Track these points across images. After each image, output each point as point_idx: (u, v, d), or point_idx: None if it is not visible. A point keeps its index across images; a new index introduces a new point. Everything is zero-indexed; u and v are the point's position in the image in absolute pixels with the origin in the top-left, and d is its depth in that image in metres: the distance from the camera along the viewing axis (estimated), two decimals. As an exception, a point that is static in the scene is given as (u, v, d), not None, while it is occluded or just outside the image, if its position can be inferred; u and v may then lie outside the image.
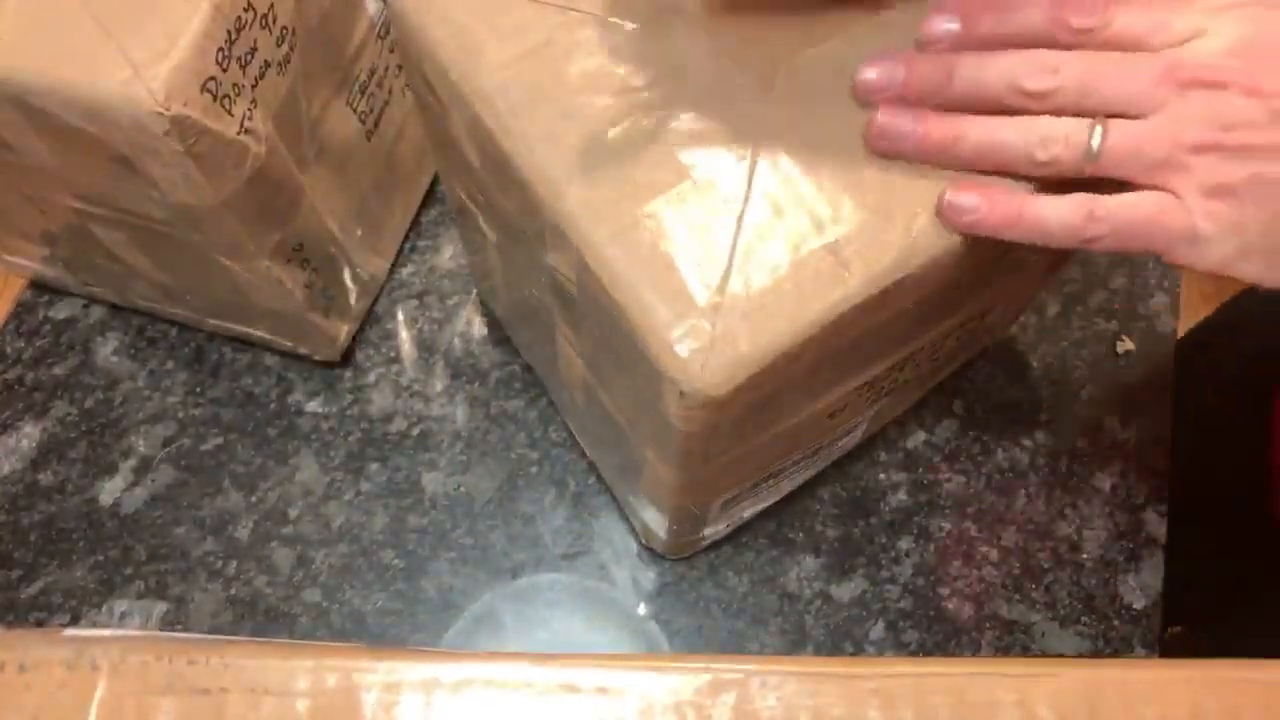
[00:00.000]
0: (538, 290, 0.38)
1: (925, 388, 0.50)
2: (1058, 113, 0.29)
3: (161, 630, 0.48)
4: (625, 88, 0.32)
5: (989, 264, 0.34)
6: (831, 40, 0.33)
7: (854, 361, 0.36)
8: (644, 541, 0.49)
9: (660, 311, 0.29)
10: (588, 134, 0.31)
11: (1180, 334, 0.55)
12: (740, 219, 0.30)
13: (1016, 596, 0.48)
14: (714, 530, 0.46)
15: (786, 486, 0.47)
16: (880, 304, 0.31)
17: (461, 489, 0.51)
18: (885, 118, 0.30)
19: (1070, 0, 0.30)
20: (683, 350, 0.29)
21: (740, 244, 0.30)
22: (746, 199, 0.31)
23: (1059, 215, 0.30)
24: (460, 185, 0.41)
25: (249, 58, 0.37)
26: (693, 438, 0.32)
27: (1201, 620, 0.51)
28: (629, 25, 0.33)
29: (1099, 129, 0.29)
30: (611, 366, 0.35)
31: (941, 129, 0.30)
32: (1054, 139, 0.29)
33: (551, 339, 0.41)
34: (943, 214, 0.30)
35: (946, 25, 0.31)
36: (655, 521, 0.44)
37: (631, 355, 0.31)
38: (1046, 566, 0.49)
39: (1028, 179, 0.31)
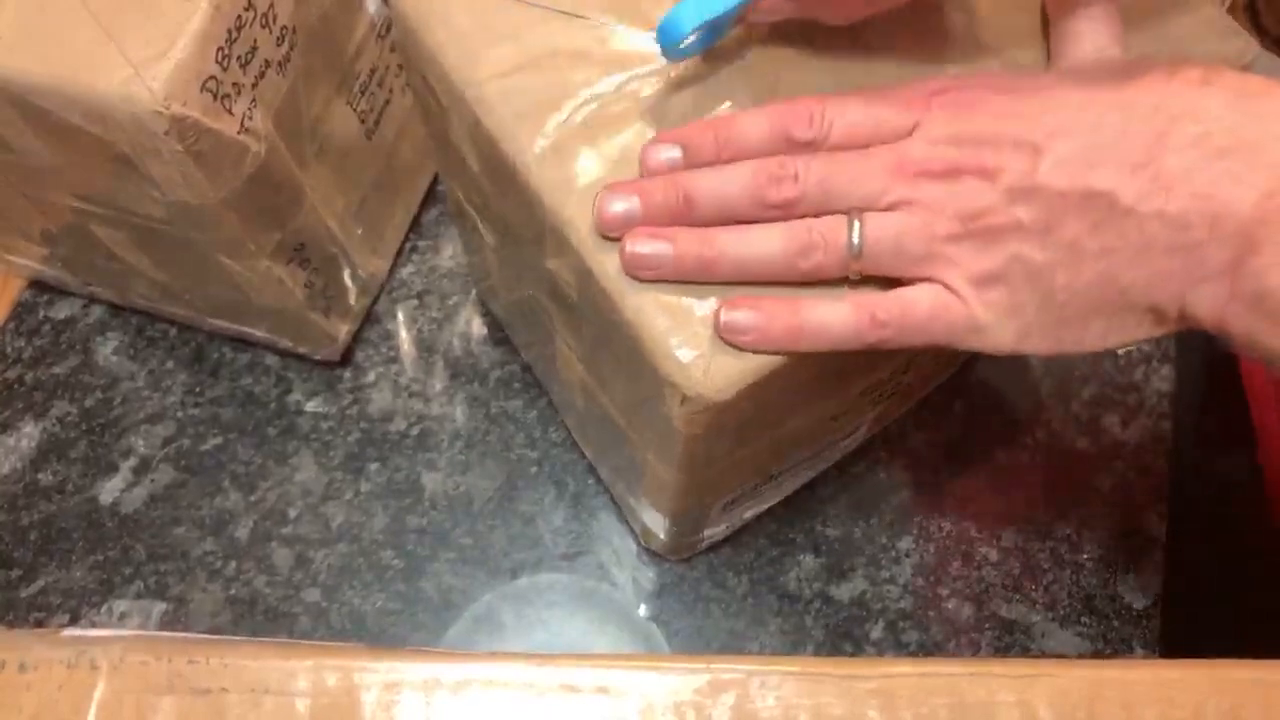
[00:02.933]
0: (536, 293, 0.38)
1: (928, 388, 0.50)
2: (813, 214, 0.29)
3: (161, 630, 0.48)
4: (627, 95, 0.32)
5: None
6: (836, 52, 0.33)
7: (857, 366, 0.36)
8: (643, 542, 0.49)
9: (662, 317, 0.29)
10: (589, 141, 0.31)
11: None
12: None
13: (1016, 596, 0.48)
14: (714, 531, 0.46)
15: (788, 487, 0.47)
16: None
17: (461, 489, 0.51)
18: (632, 246, 0.29)
19: (787, 113, 0.29)
20: (685, 356, 0.29)
21: None
22: None
23: (841, 321, 0.29)
24: (460, 187, 0.41)
25: (249, 57, 0.37)
26: (695, 441, 0.32)
27: (1201, 620, 0.51)
28: (630, 29, 0.33)
29: (856, 224, 0.28)
30: (612, 370, 0.35)
31: (696, 249, 0.29)
32: (813, 246, 0.29)
33: (550, 341, 0.41)
34: (721, 334, 0.29)
35: (667, 154, 0.30)
36: (655, 523, 0.44)
37: (633, 360, 0.31)
38: (1046, 566, 0.49)
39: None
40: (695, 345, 0.29)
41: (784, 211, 0.29)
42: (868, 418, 0.44)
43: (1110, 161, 0.26)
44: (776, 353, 0.29)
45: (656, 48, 0.31)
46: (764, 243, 0.29)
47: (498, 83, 0.32)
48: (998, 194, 0.27)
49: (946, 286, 0.28)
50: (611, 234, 0.30)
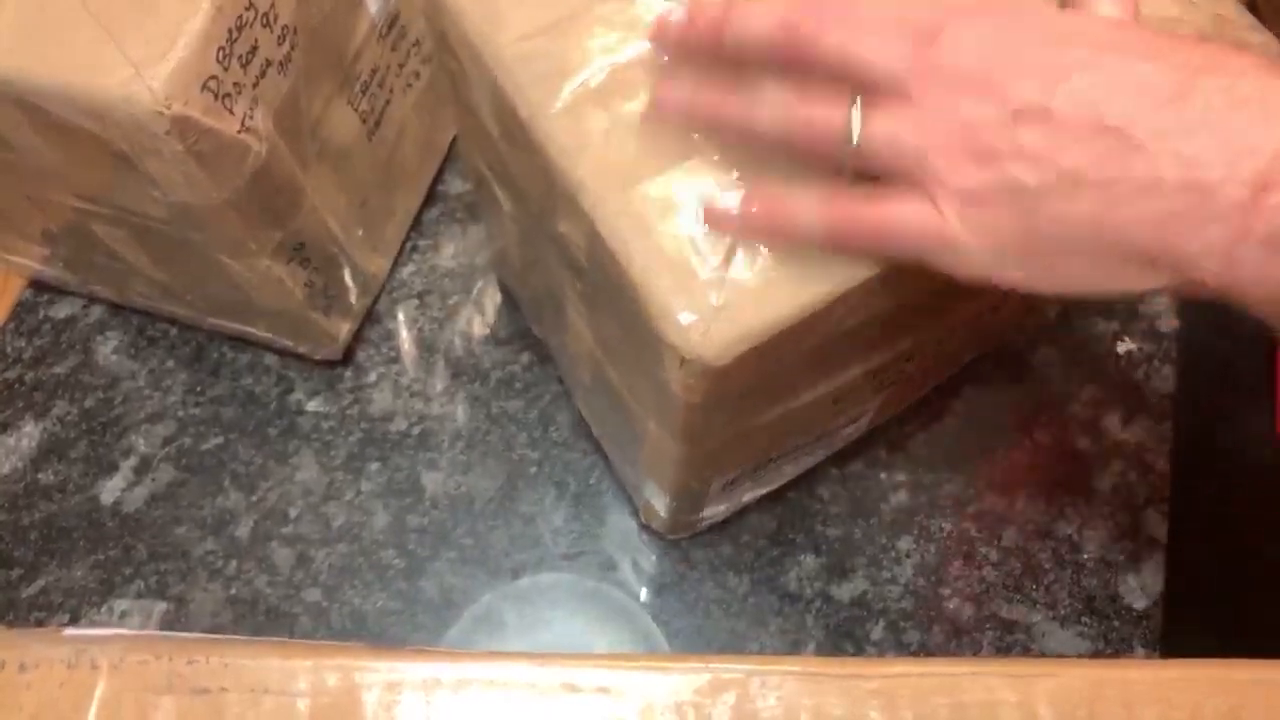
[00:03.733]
0: (549, 260, 0.39)
1: (932, 382, 0.50)
2: (822, 68, 0.29)
3: (161, 630, 0.48)
4: (644, 60, 0.32)
5: None
6: None
7: (860, 346, 0.36)
8: (644, 520, 0.49)
9: (665, 280, 0.30)
10: (603, 106, 0.32)
11: (1180, 327, 0.55)
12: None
13: (1016, 596, 0.48)
14: (713, 511, 0.47)
15: (789, 471, 0.47)
16: (885, 287, 0.31)
17: (462, 489, 0.51)
18: (661, 91, 0.31)
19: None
20: (685, 319, 0.29)
21: None
22: (754, 176, 0.31)
23: (816, 213, 0.29)
24: (479, 153, 0.41)
25: (250, 57, 0.37)
26: (694, 409, 0.32)
27: (1201, 620, 0.51)
28: (652, 1, 0.33)
29: (858, 106, 0.28)
30: (617, 337, 0.36)
31: (715, 95, 0.30)
32: (815, 118, 0.29)
33: (563, 311, 0.41)
34: (706, 220, 0.30)
35: (675, 17, 0.31)
36: (656, 497, 0.44)
37: (636, 324, 0.31)
38: (1046, 566, 0.49)
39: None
40: (696, 309, 0.29)
41: (801, 60, 0.29)
42: (870, 406, 0.44)
43: (1129, 99, 0.26)
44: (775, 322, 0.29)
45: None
46: (774, 99, 0.29)
47: (517, 45, 0.32)
48: (1005, 113, 0.27)
49: (932, 200, 0.28)
50: (659, 39, 0.31)
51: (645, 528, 0.49)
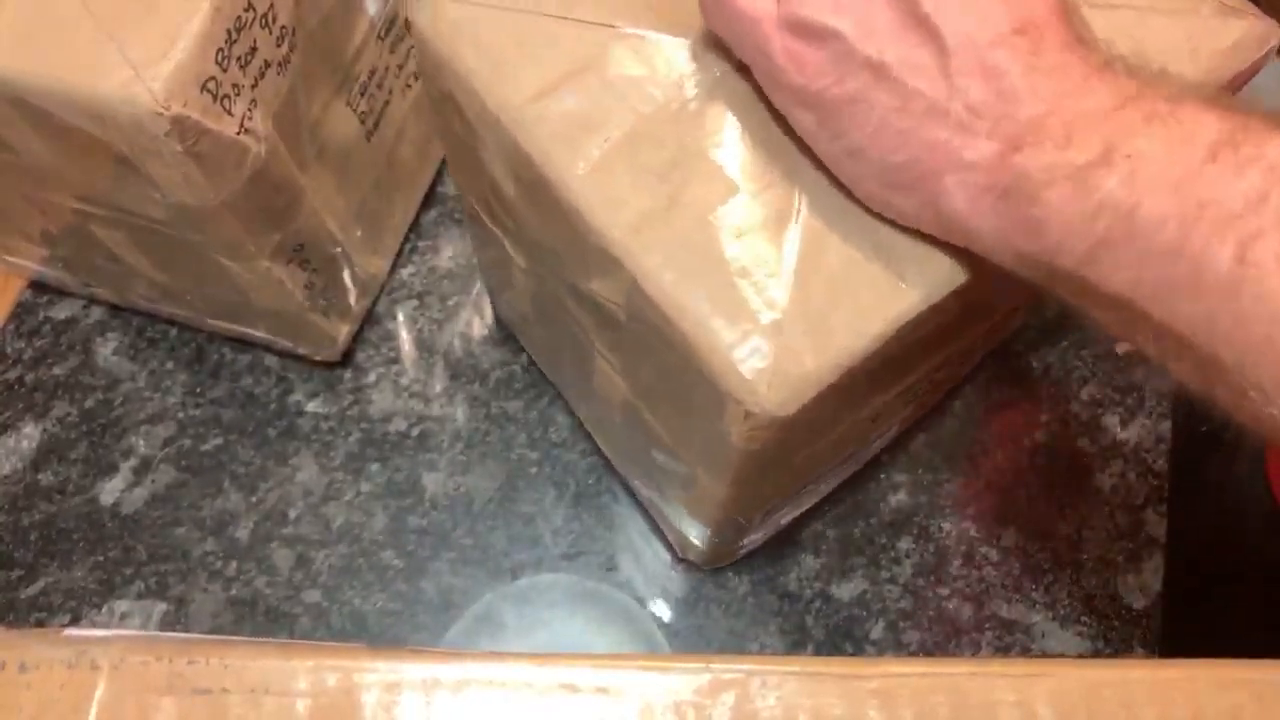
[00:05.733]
0: (573, 313, 0.38)
1: (948, 386, 0.50)
2: None
3: (162, 630, 0.48)
4: (667, 106, 0.31)
5: None
6: None
7: (903, 368, 0.35)
8: (681, 554, 0.48)
9: (722, 333, 0.29)
10: (632, 159, 0.31)
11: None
12: (793, 232, 0.30)
13: (1016, 596, 0.48)
14: (753, 539, 0.46)
15: (824, 490, 0.47)
16: (936, 312, 0.30)
17: (461, 489, 0.51)
18: None
19: None
20: (748, 371, 0.28)
21: (796, 258, 0.29)
22: (797, 211, 0.30)
23: None
24: (487, 210, 0.40)
25: (249, 58, 0.37)
26: (752, 457, 0.31)
27: (1201, 620, 0.51)
28: (667, 38, 0.32)
29: None
30: (661, 388, 0.35)
31: None
32: None
33: (587, 359, 0.40)
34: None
35: None
36: (697, 534, 0.43)
37: (688, 377, 0.30)
38: (1046, 566, 0.49)
39: None
40: (758, 360, 0.28)
41: None
42: (899, 417, 0.44)
43: (963, 18, 0.26)
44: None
45: (692, 52, 0.30)
46: None
47: (535, 104, 0.31)
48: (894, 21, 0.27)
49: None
50: None
51: (682, 560, 0.49)
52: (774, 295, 0.29)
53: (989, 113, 0.26)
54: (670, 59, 0.32)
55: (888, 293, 0.29)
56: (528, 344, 0.52)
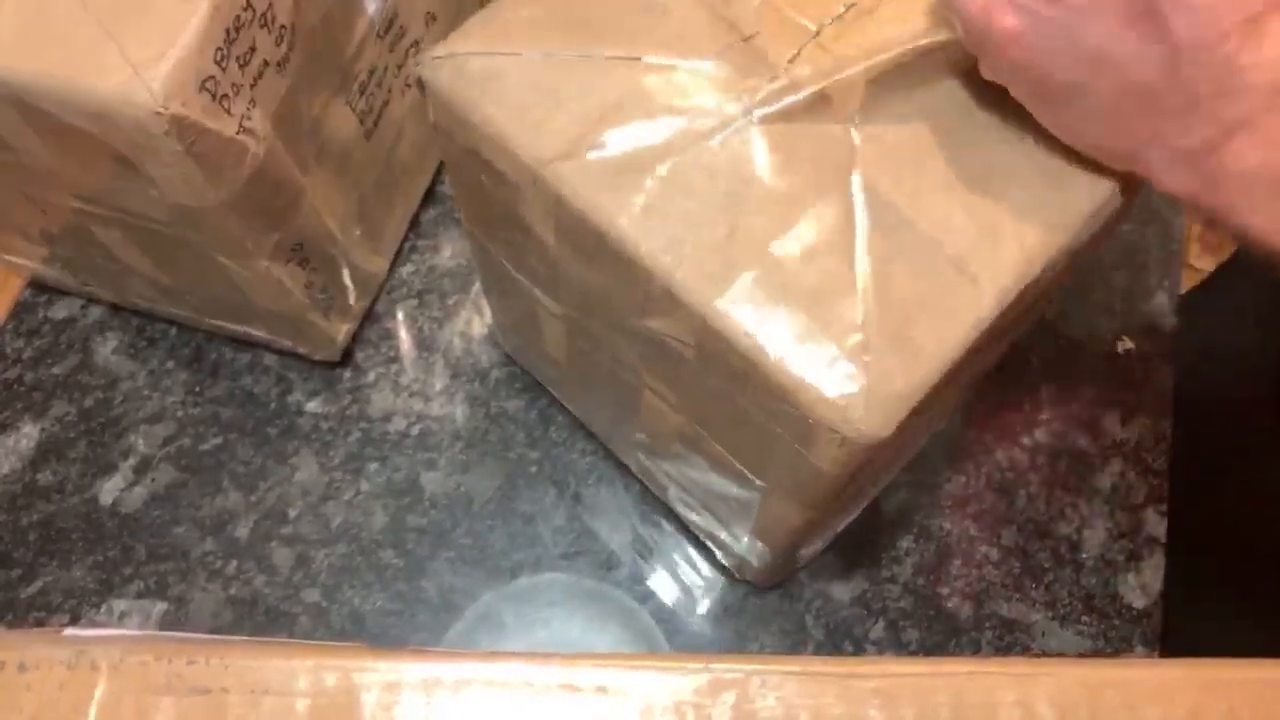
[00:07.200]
0: (619, 352, 0.37)
1: (980, 381, 0.49)
2: None
3: (161, 630, 0.48)
4: (708, 133, 0.31)
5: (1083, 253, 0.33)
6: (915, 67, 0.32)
7: (971, 365, 0.35)
8: (737, 575, 0.48)
9: (807, 362, 0.28)
10: (683, 192, 0.30)
11: (1180, 326, 0.55)
12: (859, 248, 0.29)
13: (1016, 596, 0.48)
14: (811, 552, 0.45)
15: (873, 492, 0.46)
16: (1006, 313, 0.30)
17: (461, 489, 0.51)
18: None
19: None
20: (840, 399, 0.28)
21: (868, 275, 0.29)
22: (857, 226, 0.30)
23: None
24: (513, 259, 0.39)
25: (248, 57, 0.37)
26: (837, 479, 0.31)
27: (1201, 620, 0.51)
28: (696, 63, 0.31)
29: None
30: (728, 420, 0.34)
31: None
32: None
33: (628, 394, 0.39)
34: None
35: None
36: (756, 555, 0.42)
37: (768, 408, 0.30)
38: (1046, 566, 0.49)
39: None
40: (849, 384, 0.28)
41: None
42: (949, 411, 0.44)
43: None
44: None
45: (726, 73, 0.29)
46: None
47: (573, 153, 0.30)
48: None
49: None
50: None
51: (740, 581, 0.49)
52: (852, 316, 0.28)
53: (1207, 104, 0.27)
54: (703, 84, 0.31)
55: (963, 297, 0.29)
56: (550, 381, 0.51)
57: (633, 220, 0.30)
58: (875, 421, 0.28)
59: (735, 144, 0.31)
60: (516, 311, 0.44)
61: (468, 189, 0.37)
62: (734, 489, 0.38)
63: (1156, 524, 0.50)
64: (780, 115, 0.31)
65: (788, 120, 0.31)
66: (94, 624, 0.48)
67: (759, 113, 0.31)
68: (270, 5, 0.37)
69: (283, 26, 0.39)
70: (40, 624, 0.48)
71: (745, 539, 0.42)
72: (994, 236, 0.30)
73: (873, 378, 0.28)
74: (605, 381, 0.41)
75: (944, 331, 0.29)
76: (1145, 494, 0.51)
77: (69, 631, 0.24)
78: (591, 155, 0.30)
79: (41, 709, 0.23)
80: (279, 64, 0.39)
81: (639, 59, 0.31)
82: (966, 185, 0.31)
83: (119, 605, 0.49)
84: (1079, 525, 0.50)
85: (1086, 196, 0.31)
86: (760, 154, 0.30)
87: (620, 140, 0.30)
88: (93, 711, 0.23)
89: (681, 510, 0.48)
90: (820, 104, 0.31)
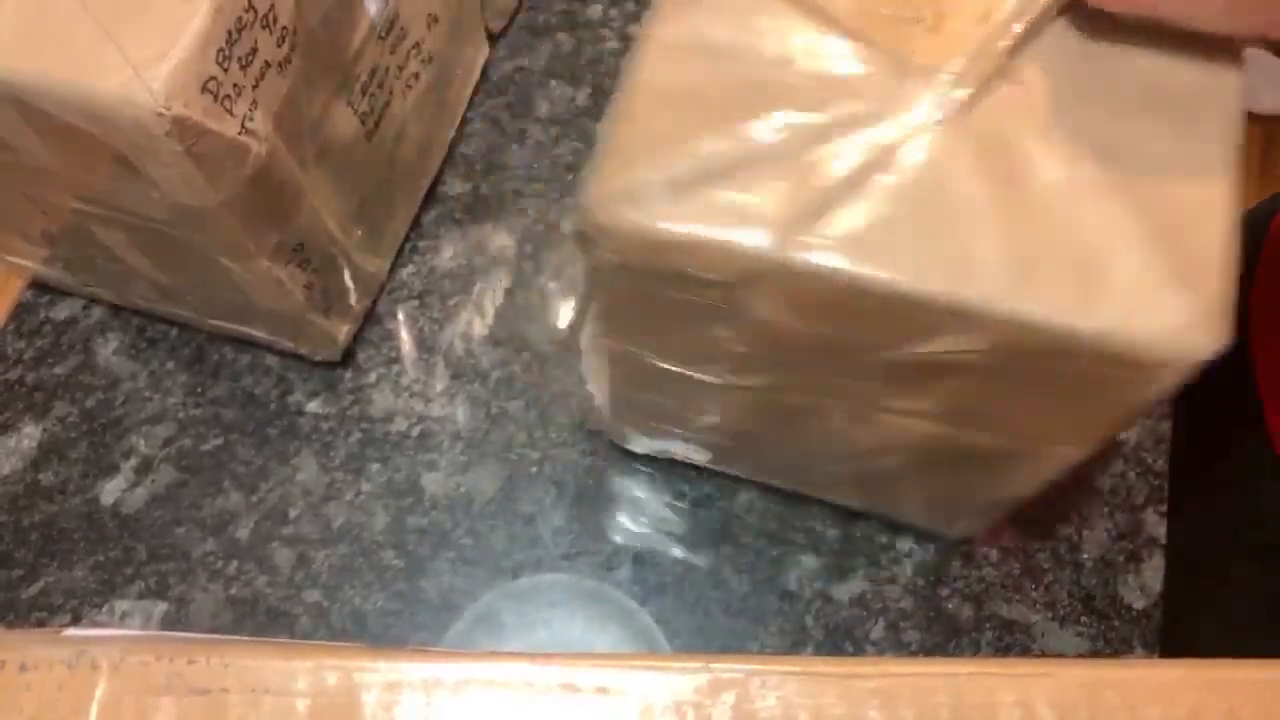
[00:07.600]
0: (839, 394, 0.37)
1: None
2: None
3: (162, 630, 0.48)
4: (907, 148, 0.30)
5: None
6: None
7: None
8: (953, 533, 0.49)
9: (1129, 319, 0.29)
10: (919, 215, 0.30)
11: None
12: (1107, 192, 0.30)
13: (1016, 596, 0.48)
14: None
15: None
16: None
17: (461, 489, 0.51)
18: None
19: None
20: (1180, 330, 0.29)
21: (1118, 212, 0.30)
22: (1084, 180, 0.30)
23: None
24: (682, 360, 0.38)
25: (249, 58, 0.37)
26: (1151, 403, 0.32)
27: (1201, 620, 0.51)
28: (850, 101, 0.31)
29: None
30: (1009, 404, 0.34)
31: None
32: None
33: (839, 430, 0.39)
34: None
35: None
36: (976, 519, 0.45)
37: (1088, 375, 0.30)
38: (1046, 566, 0.49)
39: None
40: (1174, 315, 0.29)
41: None
42: None
43: None
44: None
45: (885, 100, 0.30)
46: None
47: (802, 233, 0.29)
48: None
49: None
50: None
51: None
52: (1126, 258, 0.29)
53: None
54: (867, 114, 0.30)
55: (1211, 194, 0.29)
56: (691, 452, 0.49)
57: (890, 266, 0.29)
58: (1217, 332, 0.29)
59: (929, 153, 0.30)
60: (663, 402, 0.43)
61: (631, 310, 0.36)
62: (980, 474, 0.40)
63: (1156, 524, 0.50)
64: (958, 109, 0.31)
65: (965, 111, 0.31)
66: (95, 624, 0.48)
67: (936, 117, 0.31)
68: (272, 6, 0.37)
69: (284, 28, 0.39)
70: (42, 624, 0.48)
71: (963, 508, 0.44)
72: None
73: (1188, 299, 0.29)
74: (801, 435, 0.42)
75: (1209, 234, 0.29)
76: (1145, 494, 0.51)
77: (69, 631, 0.24)
78: (818, 227, 0.30)
79: (41, 709, 0.23)
80: (280, 65, 0.39)
81: (804, 122, 0.31)
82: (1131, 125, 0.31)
83: (120, 606, 0.49)
84: (1079, 525, 0.50)
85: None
86: (953, 154, 0.30)
87: (842, 200, 0.30)
88: (93, 711, 0.23)
89: (888, 509, 0.49)
90: (981, 88, 0.31)
